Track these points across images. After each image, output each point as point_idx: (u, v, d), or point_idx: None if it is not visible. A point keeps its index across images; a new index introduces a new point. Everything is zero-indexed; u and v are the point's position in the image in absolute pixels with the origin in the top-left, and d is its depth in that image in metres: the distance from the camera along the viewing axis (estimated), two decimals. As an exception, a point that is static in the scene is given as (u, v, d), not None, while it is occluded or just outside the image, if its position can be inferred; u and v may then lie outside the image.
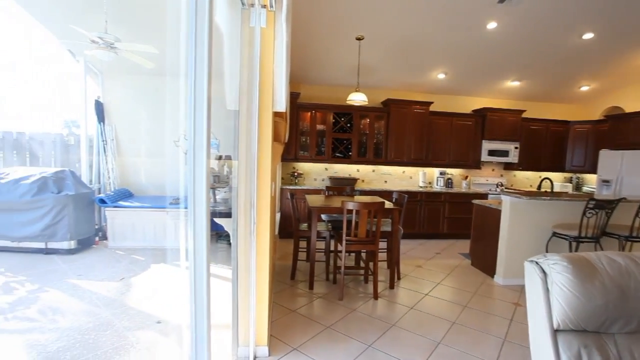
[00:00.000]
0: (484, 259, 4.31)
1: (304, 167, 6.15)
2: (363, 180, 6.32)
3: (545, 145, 6.52)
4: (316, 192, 5.48)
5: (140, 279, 3.69)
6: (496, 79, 5.74)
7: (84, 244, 4.64)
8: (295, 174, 5.92)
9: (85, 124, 5.22)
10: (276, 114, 2.10)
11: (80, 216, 4.49)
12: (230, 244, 3.94)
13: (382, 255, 4.09)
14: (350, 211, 3.21)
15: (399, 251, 3.88)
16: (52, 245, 4.38)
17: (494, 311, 3.22)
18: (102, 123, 5.33)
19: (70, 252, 4.41)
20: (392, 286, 3.68)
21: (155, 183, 5.63)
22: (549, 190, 4.55)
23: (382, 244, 3.82)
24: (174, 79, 5.18)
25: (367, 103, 4.68)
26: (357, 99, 4.52)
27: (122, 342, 2.49)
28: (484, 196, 6.04)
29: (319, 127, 5.85)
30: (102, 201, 4.72)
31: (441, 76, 5.60)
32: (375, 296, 3.37)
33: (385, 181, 6.39)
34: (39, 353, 2.33)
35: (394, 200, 4.30)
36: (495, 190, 6.24)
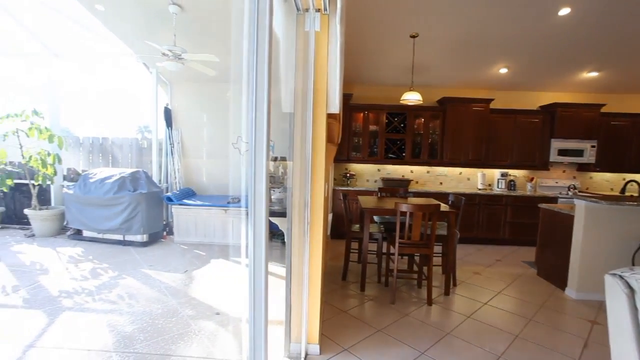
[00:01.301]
0: (553, 269, 3.93)
1: (356, 168, 6.13)
2: (417, 182, 6.12)
3: (630, 143, 5.74)
4: (368, 193, 5.43)
5: (201, 272, 3.97)
6: (568, 71, 5.20)
7: (154, 238, 5.12)
8: (348, 175, 5.92)
9: (155, 129, 5.76)
10: (330, 116, 2.13)
11: (151, 212, 4.96)
12: (283, 242, 4.08)
13: (437, 260, 3.92)
14: (403, 213, 3.13)
15: (455, 256, 3.70)
16: (129, 237, 4.90)
17: (566, 328, 2.92)
18: (170, 128, 5.83)
19: (142, 244, 4.89)
20: (447, 292, 3.51)
21: (215, 183, 6.02)
22: (635, 194, 4.00)
23: (437, 248, 3.67)
24: (232, 85, 5.49)
25: (421, 102, 4.53)
26: (412, 98, 4.40)
27: (186, 330, 2.70)
28: (552, 200, 5.51)
29: (372, 127, 5.79)
30: (169, 199, 5.16)
31: (503, 71, 5.22)
32: (429, 302, 3.25)
33: (441, 183, 6.13)
34: (118, 332, 2.62)
35: (450, 202, 4.11)
36: (567, 194, 5.66)
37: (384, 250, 3.81)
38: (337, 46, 2.04)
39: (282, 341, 2.32)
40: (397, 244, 3.23)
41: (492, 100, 5.62)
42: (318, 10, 2.05)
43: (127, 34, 4.71)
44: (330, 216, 5.21)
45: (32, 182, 5.23)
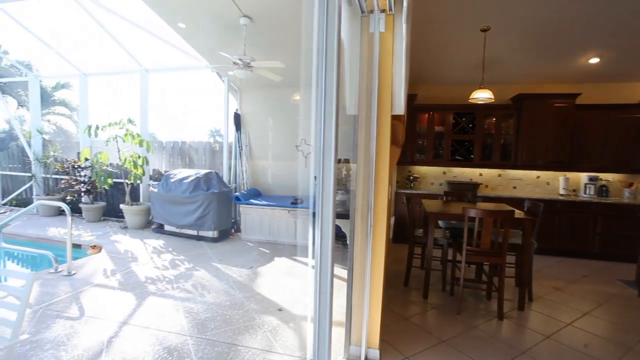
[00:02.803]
0: (659, 291, 3.36)
1: (420, 170, 5.92)
2: (487, 186, 5.70)
3: None
4: (433, 197, 5.19)
5: (265, 269, 4.17)
6: (681, 58, 4.40)
7: (224, 235, 5.51)
8: (411, 177, 5.75)
9: (226, 133, 6.21)
10: (394, 117, 2.10)
11: (222, 210, 5.36)
12: (344, 244, 4.09)
13: (510, 271, 3.60)
14: (472, 219, 2.94)
15: (531, 268, 3.36)
16: (202, 233, 5.34)
17: (675, 360, 2.47)
18: (239, 131, 6.23)
19: (213, 240, 5.30)
20: (521, 307, 3.21)
21: (279, 184, 6.28)
22: None
23: (510, 258, 3.37)
24: (296, 89, 5.69)
25: (493, 100, 4.22)
26: (482, 96, 4.12)
27: (251, 322, 2.85)
28: (658, 209, 4.70)
29: (437, 128, 5.55)
30: (237, 198, 5.52)
31: (593, 61, 4.61)
32: (500, 316, 3.00)
33: (514, 187, 5.62)
34: (193, 319, 2.88)
35: (525, 209, 3.75)
36: (678, 203, 4.79)
37: (450, 257, 3.61)
38: (402, 46, 2.00)
39: (342, 343, 2.33)
40: (464, 252, 3.04)
41: (579, 95, 5.00)
42: (383, 10, 2.03)
43: (203, 46, 5.16)
44: (392, 219, 5.10)
45: (126, 181, 6.00)
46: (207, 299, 3.27)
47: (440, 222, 3.75)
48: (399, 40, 2.01)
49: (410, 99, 5.27)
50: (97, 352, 2.37)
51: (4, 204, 7.60)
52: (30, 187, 7.39)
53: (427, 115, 5.56)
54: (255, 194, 5.91)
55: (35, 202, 4.44)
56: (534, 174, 5.53)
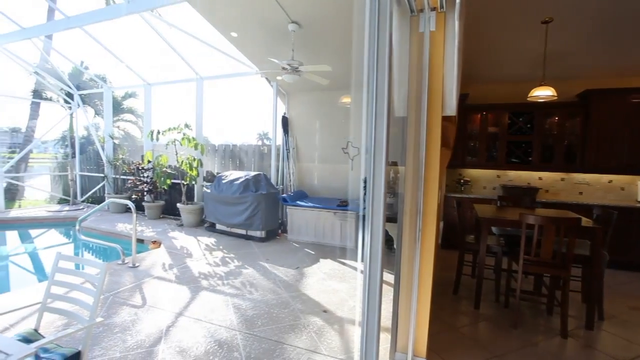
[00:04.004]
0: None
1: (471, 173, 5.63)
2: (547, 191, 5.25)
3: None
4: (485, 201, 4.90)
5: (311, 270, 4.22)
6: None
7: (271, 235, 5.68)
8: (462, 181, 5.48)
9: (274, 136, 6.41)
10: (445, 119, 2.02)
11: (270, 211, 5.53)
12: (390, 248, 4.01)
13: (575, 285, 3.28)
14: (531, 226, 2.74)
15: (601, 283, 3.03)
16: (250, 233, 5.56)
17: None
18: (287, 134, 6.40)
19: (261, 240, 5.48)
20: (589, 326, 2.90)
21: (325, 186, 6.34)
22: None
23: (575, 271, 3.07)
24: (343, 92, 5.70)
25: (555, 98, 3.89)
26: (543, 94, 3.82)
27: (296, 322, 2.91)
28: None
29: (491, 129, 5.24)
30: (285, 200, 5.66)
31: (681, 51, 4.06)
32: (564, 334, 2.74)
33: (581, 192, 5.11)
34: (241, 315, 3.00)
35: (594, 216, 3.40)
36: None
37: (504, 266, 3.39)
38: (454, 45, 1.92)
39: (387, 349, 2.29)
40: (521, 261, 2.84)
41: (662, 89, 4.43)
42: (433, 9, 1.97)
43: (254, 53, 5.39)
44: (441, 224, 4.90)
45: (182, 181, 6.44)
46: (255, 297, 3.39)
47: (494, 229, 3.53)
48: (450, 38, 1.94)
49: (461, 98, 5.04)
50: (157, 339, 2.57)
51: (83, 201, 8.54)
52: (103, 187, 8.23)
53: (479, 115, 5.27)
54: (301, 195, 6.02)
55: (107, 200, 4.94)
56: (604, 178, 4.99)
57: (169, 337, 2.61)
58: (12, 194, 9.79)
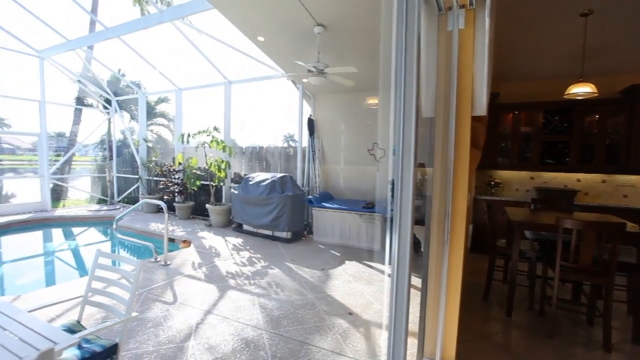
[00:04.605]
0: None
1: (503, 175, 5.41)
2: (586, 193, 4.96)
3: None
4: (518, 204, 4.70)
5: (336, 272, 4.22)
6: None
7: (296, 236, 5.72)
8: (492, 182, 5.29)
9: (300, 138, 6.47)
10: (475, 119, 1.96)
11: (295, 213, 5.57)
12: (417, 250, 3.94)
13: (620, 294, 3.07)
14: (568, 230, 2.59)
15: (649, 293, 2.81)
16: (276, 234, 5.63)
17: None
18: (312, 136, 6.44)
19: (287, 241, 5.54)
20: (636, 340, 2.70)
21: (350, 187, 6.31)
22: None
23: (619, 279, 2.87)
24: (369, 94, 5.67)
25: (596, 95, 3.67)
26: (581, 91, 3.62)
27: (322, 324, 2.91)
28: None
29: (524, 129, 5.02)
30: (310, 201, 5.69)
31: None
32: (607, 347, 2.57)
33: (625, 195, 4.79)
34: (267, 314, 3.04)
35: (641, 222, 3.17)
36: None
37: (539, 272, 3.23)
38: (484, 42, 1.86)
39: (413, 353, 2.24)
40: (557, 267, 2.69)
41: None
42: (462, 6, 1.92)
43: (280, 56, 5.47)
44: (470, 227, 4.75)
45: (211, 183, 6.63)
46: (281, 297, 3.43)
47: (527, 233, 3.38)
48: (480, 36, 1.88)
49: (492, 97, 4.86)
50: (187, 335, 2.66)
51: (119, 201, 9.01)
52: (137, 187, 8.64)
53: (511, 114, 5.07)
54: (327, 197, 6.03)
55: (141, 200, 5.17)
56: (652, 180, 4.65)
57: (198, 333, 2.69)
58: (58, 194, 10.51)
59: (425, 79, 1.94)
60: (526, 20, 3.69)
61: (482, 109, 1.92)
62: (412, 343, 2.28)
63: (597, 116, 4.69)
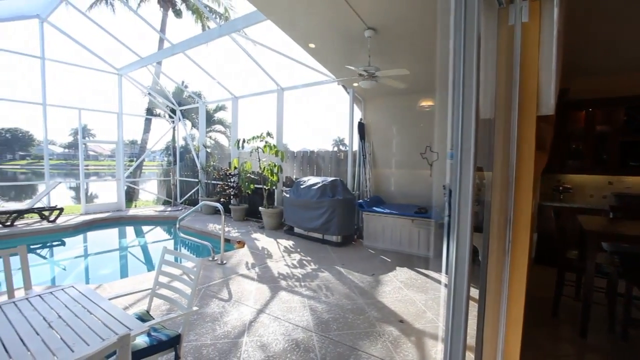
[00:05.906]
0: None
1: (573, 179, 4.90)
2: (682, 201, 4.29)
3: None
4: (593, 212, 4.22)
5: (387, 278, 4.13)
6: None
7: (346, 240, 5.71)
8: (561, 188, 4.81)
9: (350, 142, 6.47)
10: (540, 119, 1.80)
11: (346, 217, 5.57)
12: (474, 259, 3.70)
13: None
14: (657, 244, 2.27)
15: None
16: (327, 237, 5.67)
17: None
18: (363, 140, 6.41)
19: (337, 245, 5.55)
20: None
21: (402, 192, 6.15)
22: None
23: None
24: (422, 96, 5.50)
25: (693, 87, 3.18)
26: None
27: (371, 330, 2.86)
28: None
29: (600, 128, 4.50)
30: (361, 206, 5.65)
31: None
32: None
33: None
34: (317, 317, 3.07)
35: None
36: None
37: (621, 290, 2.85)
38: (552, 35, 1.71)
39: (472, 369, 2.11)
40: (645, 285, 2.36)
41: None
42: (526, -3, 1.78)
43: (330, 62, 5.53)
44: (534, 237, 4.36)
45: (264, 186, 6.90)
46: (331, 300, 3.44)
47: (604, 245, 3.01)
48: (547, 29, 1.73)
49: (560, 94, 4.43)
50: (241, 332, 2.78)
51: (181, 203, 9.76)
52: (197, 190, 9.28)
53: (583, 112, 4.57)
54: (378, 201, 5.94)
55: (200, 202, 5.55)
56: None
57: (252, 331, 2.81)
58: (130, 195, 11.72)
59: (484, 78, 1.83)
60: (599, 6, 3.32)
61: (548, 107, 1.76)
62: (469, 357, 2.15)
63: (694, 112, 4.05)
